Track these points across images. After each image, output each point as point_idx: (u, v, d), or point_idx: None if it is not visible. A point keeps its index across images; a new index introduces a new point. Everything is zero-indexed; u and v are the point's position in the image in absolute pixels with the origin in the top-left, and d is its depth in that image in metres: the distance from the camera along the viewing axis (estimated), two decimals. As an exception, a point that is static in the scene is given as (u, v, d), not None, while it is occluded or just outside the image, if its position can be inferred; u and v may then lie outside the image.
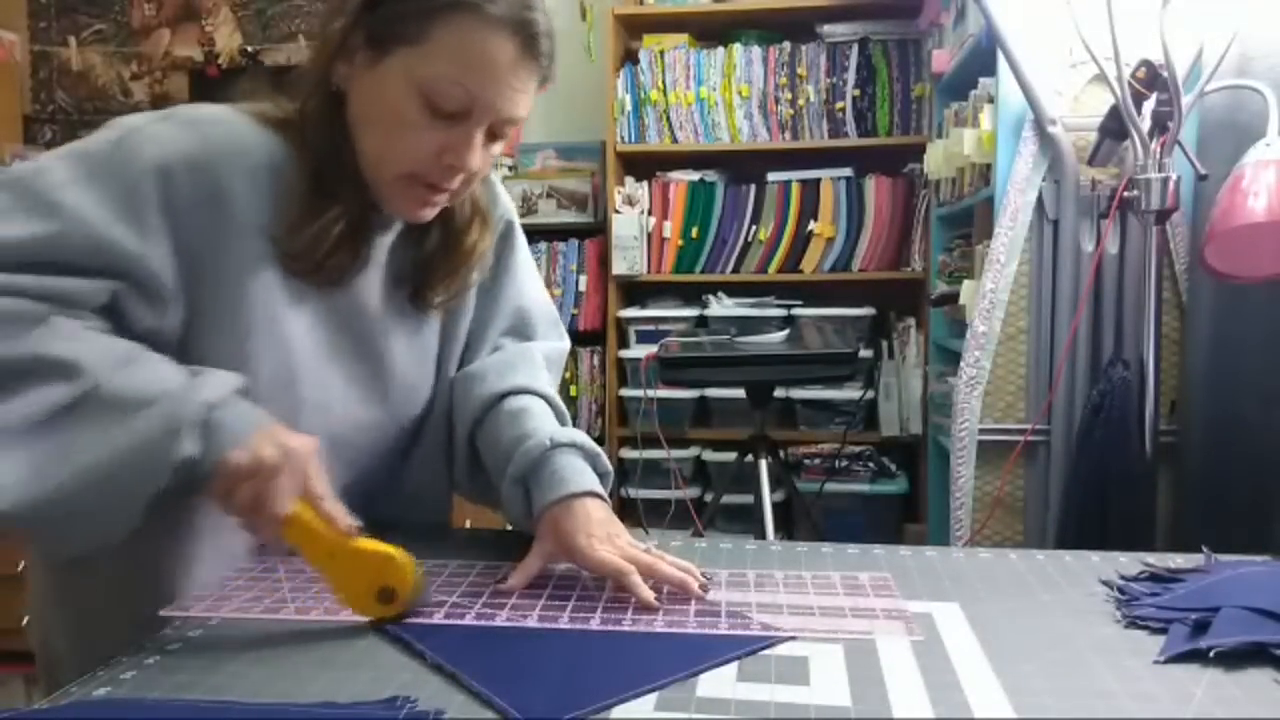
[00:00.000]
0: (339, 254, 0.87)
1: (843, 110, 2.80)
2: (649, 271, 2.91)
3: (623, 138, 2.90)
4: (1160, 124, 1.56)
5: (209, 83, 2.98)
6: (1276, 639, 0.69)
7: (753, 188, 2.88)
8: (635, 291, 3.05)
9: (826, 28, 2.81)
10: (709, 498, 2.70)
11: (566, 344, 1.12)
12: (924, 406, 2.68)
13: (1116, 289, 1.74)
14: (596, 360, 2.96)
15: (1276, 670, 0.67)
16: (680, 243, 2.90)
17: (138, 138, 0.82)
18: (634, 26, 2.96)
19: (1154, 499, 1.62)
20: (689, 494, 2.75)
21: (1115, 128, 1.64)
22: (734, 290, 2.92)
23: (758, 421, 2.04)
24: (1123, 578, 0.85)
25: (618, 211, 2.88)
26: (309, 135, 0.86)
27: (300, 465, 0.75)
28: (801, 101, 2.81)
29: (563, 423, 0.98)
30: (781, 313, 2.80)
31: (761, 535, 1.98)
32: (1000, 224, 1.79)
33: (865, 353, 2.63)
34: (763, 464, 2.02)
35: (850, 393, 2.75)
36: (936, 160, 2.30)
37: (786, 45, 2.82)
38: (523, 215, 2.74)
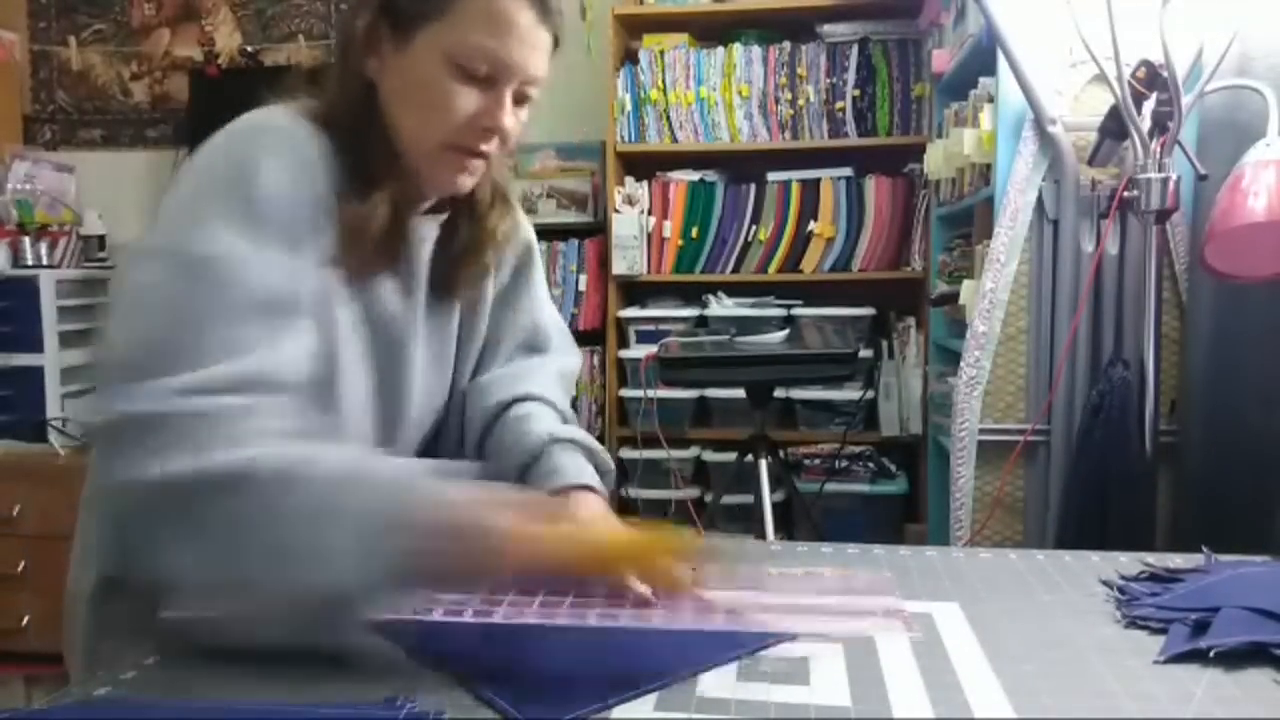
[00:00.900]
0: (380, 246, 0.89)
1: (843, 110, 2.80)
2: (649, 271, 2.91)
3: (623, 137, 2.90)
4: (1160, 124, 1.56)
5: (209, 83, 2.97)
6: (1276, 639, 0.69)
7: (753, 188, 2.87)
8: (635, 291, 3.05)
9: (826, 28, 2.81)
10: (709, 498, 2.70)
11: (579, 360, 1.15)
12: (924, 406, 2.68)
13: (1116, 289, 1.74)
14: (596, 360, 2.96)
15: (1276, 670, 0.67)
16: (680, 243, 2.89)
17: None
18: (634, 26, 2.96)
19: (1154, 499, 1.61)
20: (689, 494, 2.75)
21: (1115, 128, 1.64)
22: (734, 290, 2.92)
23: (758, 421, 2.04)
24: (1123, 578, 0.85)
25: (618, 211, 2.88)
26: (345, 133, 0.88)
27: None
28: (801, 101, 2.81)
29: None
30: (781, 313, 2.80)
31: (762, 535, 1.98)
32: (1000, 224, 1.79)
33: (865, 353, 2.62)
34: (763, 464, 2.02)
35: (850, 393, 2.75)
36: (936, 160, 2.30)
37: (786, 45, 2.82)
38: (523, 215, 2.75)
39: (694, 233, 2.88)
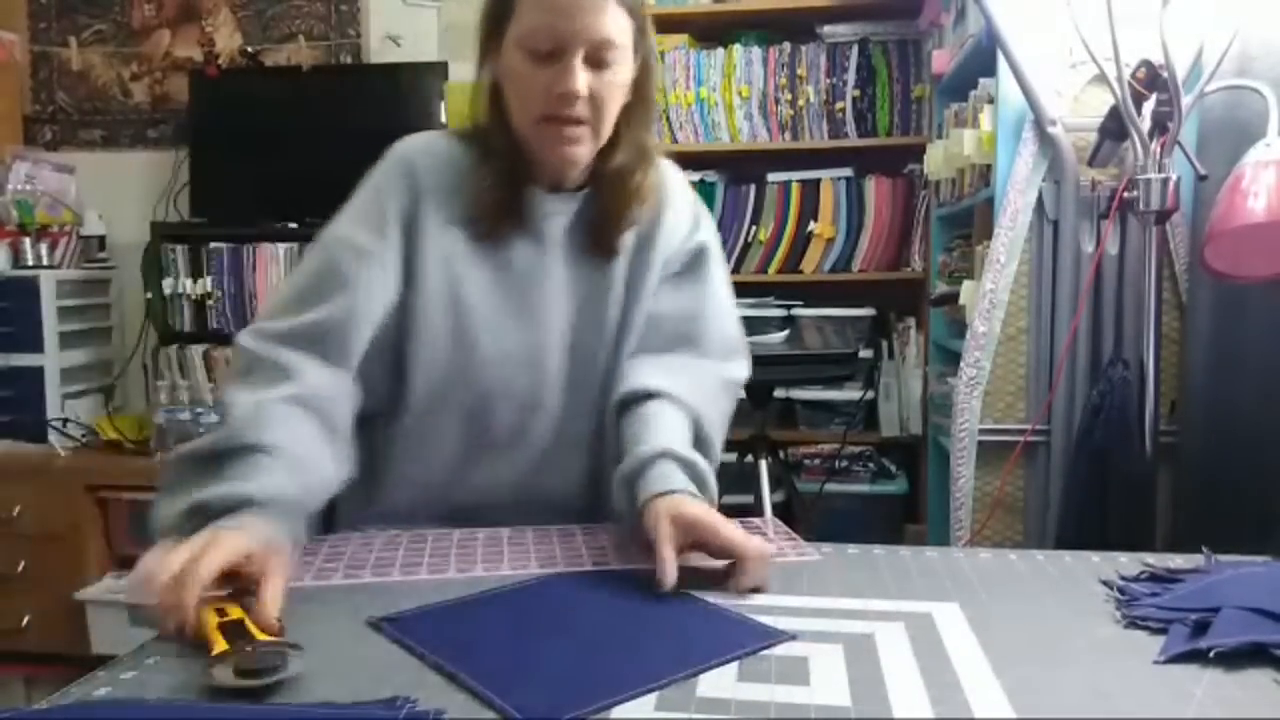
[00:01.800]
0: (499, 213, 1.04)
1: (843, 111, 2.79)
2: (649, 272, 2.90)
3: (623, 138, 2.89)
4: (1160, 124, 1.56)
5: (209, 83, 2.97)
6: (1276, 639, 0.69)
7: (753, 188, 2.87)
8: (635, 292, 3.04)
9: (826, 28, 2.81)
10: (709, 498, 2.70)
11: (743, 371, 1.18)
12: (924, 407, 2.68)
13: (1116, 289, 1.74)
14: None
15: (1276, 670, 0.67)
16: (680, 243, 2.89)
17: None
18: (634, 27, 2.96)
19: (1154, 499, 1.61)
20: (689, 494, 2.74)
21: (1115, 128, 1.64)
22: (734, 290, 2.91)
23: (758, 422, 2.04)
24: (1123, 578, 0.85)
25: (618, 212, 2.87)
26: (482, 131, 1.06)
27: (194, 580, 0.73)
28: (801, 102, 2.81)
29: (700, 449, 1.02)
30: (781, 313, 2.80)
31: (761, 535, 1.98)
32: (1000, 224, 1.79)
33: (865, 353, 2.63)
34: (763, 464, 2.02)
35: (850, 393, 2.75)
36: (936, 161, 2.30)
37: (786, 46, 2.82)
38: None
39: (694, 233, 2.88)
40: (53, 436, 2.77)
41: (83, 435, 2.81)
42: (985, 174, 1.98)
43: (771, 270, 2.86)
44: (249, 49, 3.04)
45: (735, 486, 2.23)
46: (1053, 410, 1.76)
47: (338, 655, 0.71)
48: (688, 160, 2.94)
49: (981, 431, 1.81)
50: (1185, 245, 1.76)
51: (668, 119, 2.88)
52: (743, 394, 1.19)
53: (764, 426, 2.04)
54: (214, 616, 0.73)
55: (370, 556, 0.94)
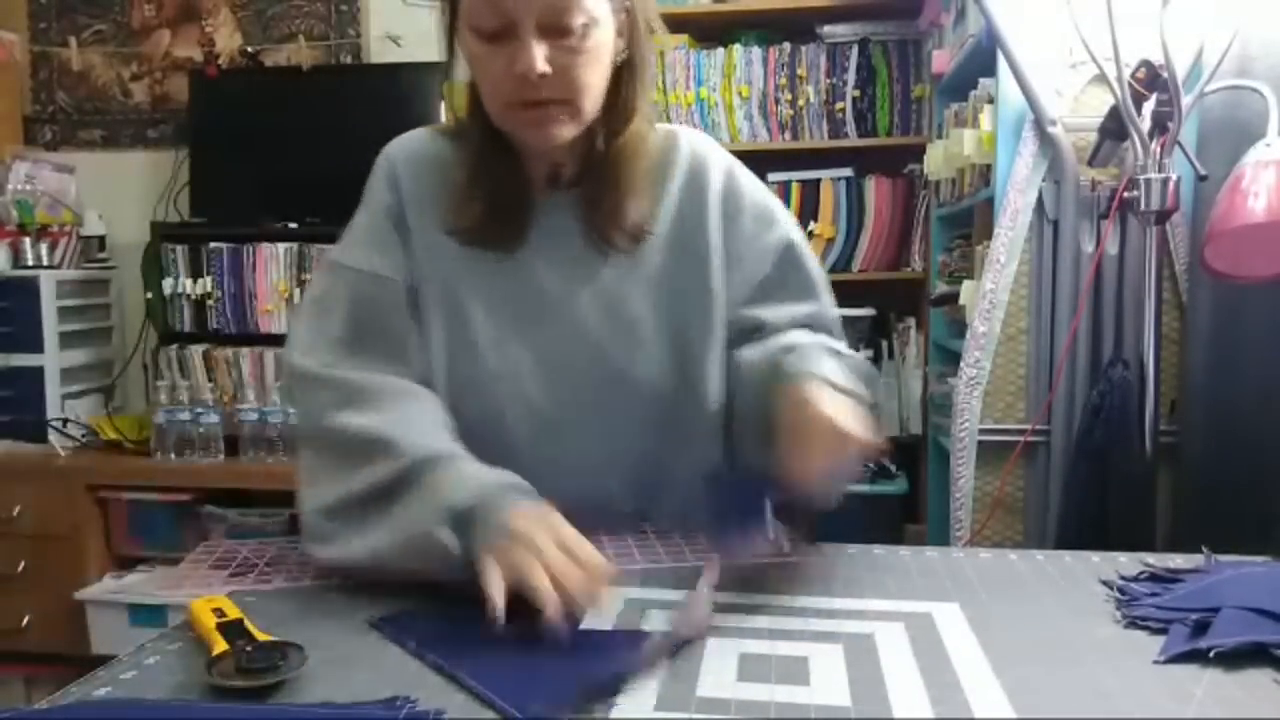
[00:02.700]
0: (499, 219, 0.97)
1: (843, 111, 2.79)
2: (649, 272, 2.90)
3: (623, 138, 2.89)
4: (1160, 124, 1.56)
5: (209, 83, 2.97)
6: (1276, 639, 0.69)
7: (753, 188, 2.87)
8: (635, 292, 3.04)
9: (826, 28, 2.81)
10: (709, 498, 2.69)
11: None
12: (924, 407, 2.68)
13: (1116, 289, 1.74)
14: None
15: (1276, 670, 0.67)
16: (680, 243, 2.89)
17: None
18: (634, 27, 2.96)
19: (1154, 499, 1.61)
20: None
21: (1115, 128, 1.64)
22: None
23: (758, 422, 2.03)
24: (1123, 578, 0.85)
25: (618, 212, 2.87)
26: (465, 125, 0.99)
27: (553, 530, 0.78)
28: (801, 102, 2.81)
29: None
30: (781, 313, 2.79)
31: (761, 535, 1.98)
32: (1000, 224, 1.79)
33: (865, 353, 2.62)
34: (763, 464, 2.01)
35: (850, 393, 2.74)
36: (936, 161, 2.30)
37: (786, 46, 2.82)
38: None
39: (694, 233, 2.88)
40: (53, 436, 2.76)
41: (83, 435, 2.81)
42: (985, 174, 1.98)
43: (771, 270, 2.86)
44: (249, 49, 3.04)
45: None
46: (1053, 410, 1.76)
47: (338, 655, 0.71)
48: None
49: (981, 431, 1.81)
50: (1185, 245, 1.76)
51: (668, 119, 2.87)
52: None
53: (764, 426, 2.04)
54: (214, 616, 0.73)
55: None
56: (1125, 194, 1.63)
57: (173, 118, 3.11)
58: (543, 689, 0.65)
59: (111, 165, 3.14)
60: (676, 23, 2.90)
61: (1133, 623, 0.76)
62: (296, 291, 2.78)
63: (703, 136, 1.07)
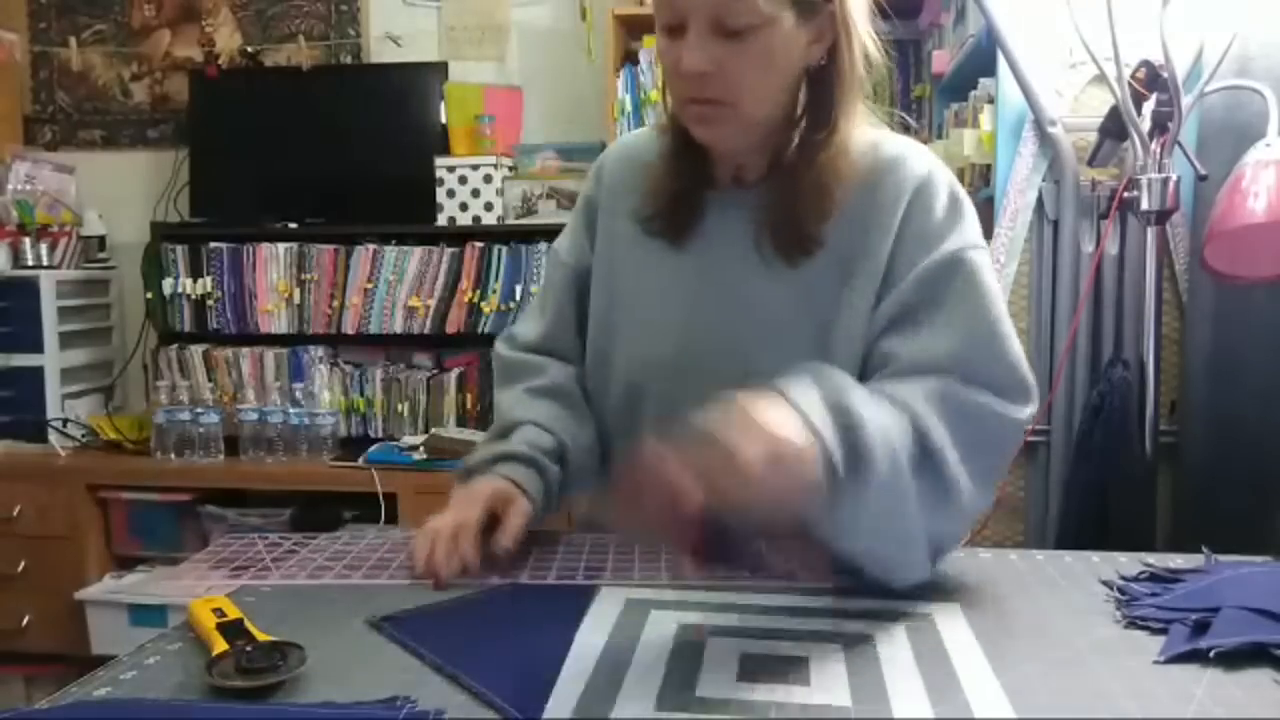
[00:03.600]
0: (679, 208, 0.99)
1: (843, 110, 2.79)
2: (649, 272, 2.90)
3: (623, 138, 2.89)
4: (1160, 124, 1.56)
5: (209, 83, 2.97)
6: (1276, 639, 0.69)
7: (753, 188, 2.87)
8: (635, 292, 3.04)
9: (826, 28, 2.81)
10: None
11: (1022, 414, 0.86)
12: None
13: (1116, 289, 1.74)
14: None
15: (1276, 670, 0.67)
16: (680, 243, 2.89)
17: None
18: (634, 27, 2.96)
19: (1154, 499, 1.62)
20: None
21: (1115, 128, 1.64)
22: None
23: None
24: (1123, 578, 0.85)
25: (618, 212, 2.87)
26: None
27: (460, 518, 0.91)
28: (801, 102, 2.80)
29: (922, 452, 0.78)
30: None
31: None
32: (1000, 224, 1.79)
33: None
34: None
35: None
36: (936, 160, 2.30)
37: (786, 45, 2.81)
38: (522, 215, 2.75)
39: (694, 233, 2.87)
40: (53, 436, 2.77)
41: (83, 435, 2.81)
42: (985, 174, 1.98)
43: (771, 270, 2.86)
44: (249, 49, 3.04)
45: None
46: (1053, 410, 1.76)
47: (338, 655, 0.71)
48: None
49: (981, 431, 1.81)
50: (1185, 245, 1.76)
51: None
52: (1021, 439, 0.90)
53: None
54: (214, 617, 0.73)
55: (371, 556, 0.94)
56: (1125, 194, 1.63)
57: (173, 118, 3.11)
58: (543, 687, 0.65)
59: (111, 165, 3.14)
60: (676, 23, 2.90)
61: (1133, 623, 0.76)
62: (296, 291, 2.78)
63: (905, 143, 0.97)
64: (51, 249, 2.89)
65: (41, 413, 2.77)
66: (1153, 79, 1.55)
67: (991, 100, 1.88)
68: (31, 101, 3.18)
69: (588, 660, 0.70)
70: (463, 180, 2.69)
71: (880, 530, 0.77)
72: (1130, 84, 1.55)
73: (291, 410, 2.64)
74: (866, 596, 0.82)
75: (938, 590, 0.84)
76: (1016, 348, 0.88)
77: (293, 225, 2.81)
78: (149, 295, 2.88)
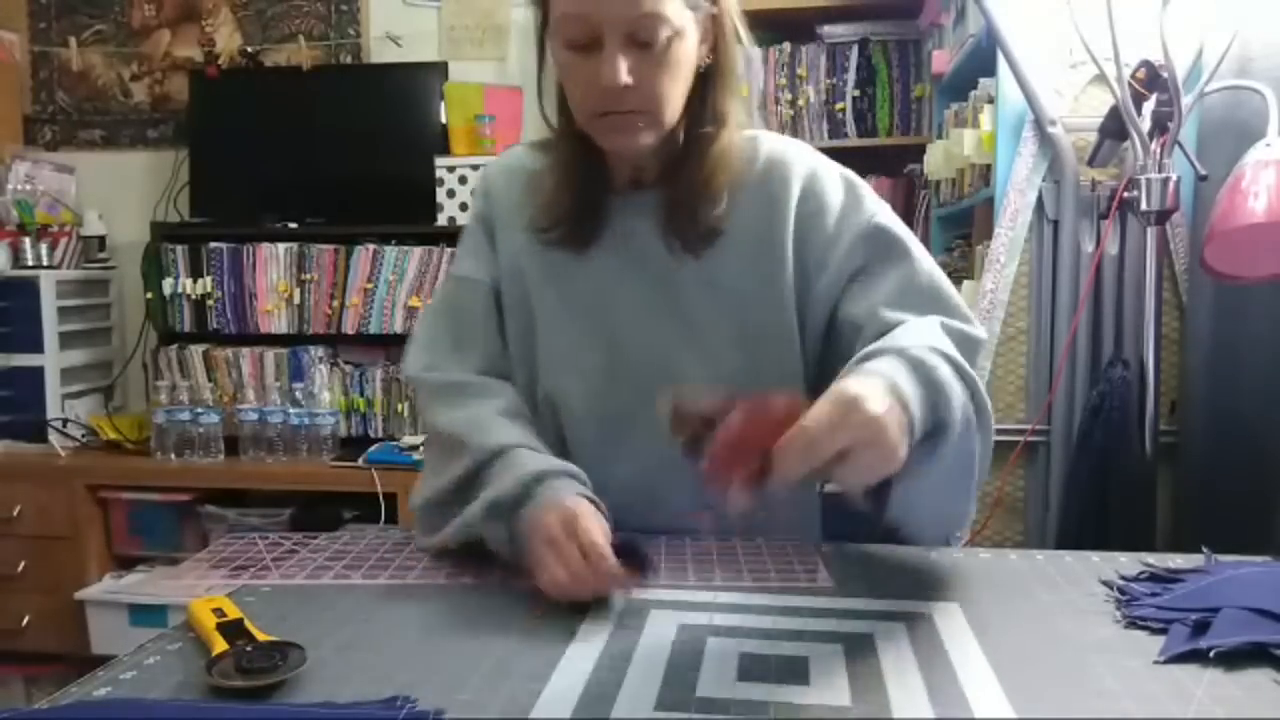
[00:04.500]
0: (575, 219, 1.00)
1: (843, 111, 2.79)
2: (649, 272, 2.90)
3: (623, 138, 2.89)
4: (1160, 124, 1.56)
5: (209, 83, 2.97)
6: (1276, 639, 0.69)
7: (753, 188, 2.87)
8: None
9: (826, 28, 2.81)
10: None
11: (980, 332, 0.96)
12: (924, 407, 2.67)
13: (1116, 289, 1.74)
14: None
15: (1276, 670, 0.67)
16: (680, 243, 2.89)
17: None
18: (634, 27, 2.96)
19: (1154, 499, 1.62)
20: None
21: (1115, 128, 1.64)
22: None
23: (758, 422, 2.03)
24: (1123, 578, 0.85)
25: (618, 212, 2.87)
26: (555, 133, 1.02)
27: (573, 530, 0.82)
28: (801, 102, 2.81)
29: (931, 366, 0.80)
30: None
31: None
32: (1000, 224, 1.79)
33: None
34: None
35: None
36: (936, 161, 2.30)
37: (786, 46, 2.81)
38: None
39: (694, 233, 2.87)
40: (53, 436, 2.77)
41: (83, 435, 2.81)
42: (985, 174, 1.98)
43: (771, 270, 2.86)
44: (249, 49, 3.04)
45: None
46: (1053, 410, 1.76)
47: (338, 655, 0.71)
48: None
49: (981, 431, 1.81)
50: (1185, 245, 1.76)
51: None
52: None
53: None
54: (213, 617, 0.73)
55: (371, 556, 0.94)
56: (1125, 194, 1.63)
57: (173, 118, 3.11)
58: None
59: (111, 165, 3.14)
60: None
61: (1133, 623, 0.76)
62: (296, 291, 2.78)
63: (785, 140, 1.04)
64: (51, 249, 2.89)
65: (41, 413, 2.77)
66: (1153, 79, 1.55)
67: (991, 100, 1.88)
68: (31, 101, 3.19)
69: (587, 660, 0.70)
70: (463, 180, 2.69)
71: (948, 485, 0.86)
72: (1130, 84, 1.55)
73: (291, 410, 2.64)
74: (866, 596, 0.82)
75: (938, 590, 0.84)
76: (953, 291, 0.98)
77: (293, 225, 2.81)
78: (149, 295, 2.88)
